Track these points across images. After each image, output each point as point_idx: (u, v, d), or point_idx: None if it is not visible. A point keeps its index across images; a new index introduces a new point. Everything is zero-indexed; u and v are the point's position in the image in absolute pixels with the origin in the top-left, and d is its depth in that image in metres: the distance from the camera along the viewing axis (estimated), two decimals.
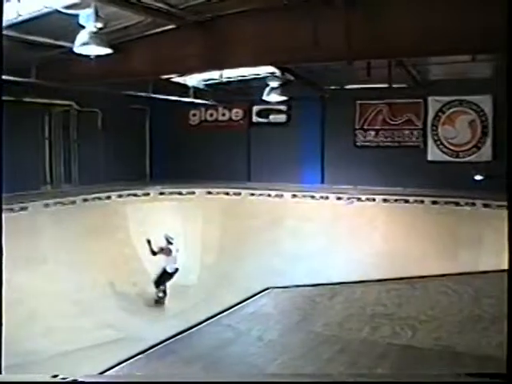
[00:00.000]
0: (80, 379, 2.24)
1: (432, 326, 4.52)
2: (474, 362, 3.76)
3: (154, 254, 14.42)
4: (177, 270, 14.65)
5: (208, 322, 4.84)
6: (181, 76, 15.64)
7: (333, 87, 17.44)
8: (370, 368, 3.66)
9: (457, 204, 14.85)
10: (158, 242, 14.54)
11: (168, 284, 14.68)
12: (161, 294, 14.63)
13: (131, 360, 4.28)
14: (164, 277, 14.62)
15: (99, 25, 8.68)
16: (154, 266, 14.79)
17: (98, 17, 8.56)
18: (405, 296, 5.41)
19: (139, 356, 3.99)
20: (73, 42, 9.12)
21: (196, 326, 4.70)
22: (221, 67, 13.40)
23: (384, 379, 3.17)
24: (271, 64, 13.36)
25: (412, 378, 3.13)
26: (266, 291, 5.85)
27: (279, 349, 4.19)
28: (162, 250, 14.37)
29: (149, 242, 14.35)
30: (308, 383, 3.21)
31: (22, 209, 13.53)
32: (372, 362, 3.76)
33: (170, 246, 14.50)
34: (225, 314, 5.05)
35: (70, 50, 9.67)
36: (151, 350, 4.07)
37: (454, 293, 5.49)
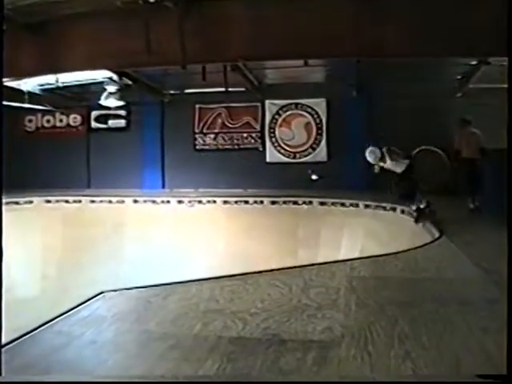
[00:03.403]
0: None
1: (261, 317, 4.71)
2: (298, 346, 3.99)
3: None
4: None
5: (40, 329, 4.72)
6: (14, 80, 15.03)
7: (172, 92, 17.57)
8: (199, 360, 3.78)
9: (295, 203, 15.38)
10: None
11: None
12: None
13: None
14: None
15: None
16: None
17: None
18: (237, 291, 5.58)
19: None
20: None
21: (27, 335, 4.56)
22: (55, 71, 13.07)
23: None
24: (105, 68, 13.22)
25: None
26: (101, 295, 5.79)
27: (112, 349, 4.19)
28: None
29: None
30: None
31: None
32: (203, 355, 3.88)
33: None
34: (58, 319, 4.94)
35: None
36: None
37: (284, 285, 5.75)
